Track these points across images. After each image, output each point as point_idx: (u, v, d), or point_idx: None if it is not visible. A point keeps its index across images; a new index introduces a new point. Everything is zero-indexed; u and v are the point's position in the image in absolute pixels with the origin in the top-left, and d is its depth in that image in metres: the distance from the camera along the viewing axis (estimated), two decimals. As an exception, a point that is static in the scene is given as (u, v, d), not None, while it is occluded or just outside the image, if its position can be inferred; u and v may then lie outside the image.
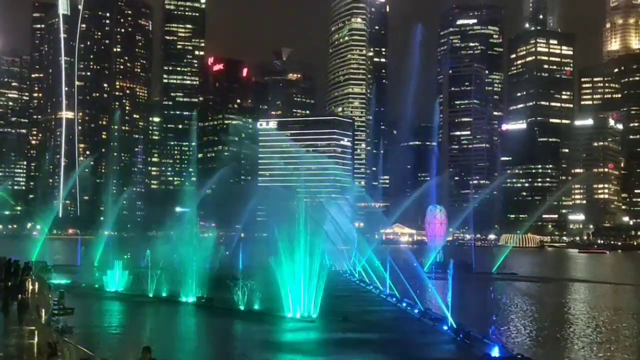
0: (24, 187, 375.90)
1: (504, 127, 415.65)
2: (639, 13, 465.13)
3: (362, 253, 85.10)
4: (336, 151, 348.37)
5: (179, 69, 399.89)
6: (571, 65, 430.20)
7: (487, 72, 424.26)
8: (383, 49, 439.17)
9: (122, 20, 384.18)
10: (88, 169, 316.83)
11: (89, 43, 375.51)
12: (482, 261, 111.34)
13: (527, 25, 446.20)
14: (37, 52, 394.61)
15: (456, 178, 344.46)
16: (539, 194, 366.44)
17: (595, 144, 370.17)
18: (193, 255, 59.39)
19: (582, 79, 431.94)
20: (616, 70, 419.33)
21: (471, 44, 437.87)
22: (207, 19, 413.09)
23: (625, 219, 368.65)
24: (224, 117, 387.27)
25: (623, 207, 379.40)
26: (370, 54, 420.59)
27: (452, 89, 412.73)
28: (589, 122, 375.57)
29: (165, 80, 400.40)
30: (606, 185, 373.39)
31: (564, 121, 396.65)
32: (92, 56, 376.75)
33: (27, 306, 34.99)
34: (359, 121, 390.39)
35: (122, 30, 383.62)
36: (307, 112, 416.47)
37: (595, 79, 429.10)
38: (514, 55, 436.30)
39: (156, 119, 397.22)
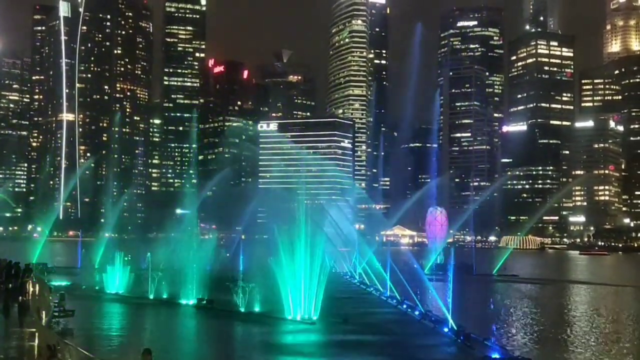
0: (24, 189, 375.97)
1: (505, 128, 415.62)
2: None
3: (363, 255, 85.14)
4: (337, 153, 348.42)
5: (179, 71, 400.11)
6: (571, 67, 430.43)
7: (487, 73, 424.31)
8: (383, 51, 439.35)
9: (122, 22, 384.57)
10: (88, 171, 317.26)
11: (89, 45, 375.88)
12: (482, 263, 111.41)
13: (527, 27, 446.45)
14: (38, 54, 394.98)
15: (457, 180, 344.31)
16: (540, 195, 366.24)
17: (596, 145, 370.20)
18: (193, 257, 59.38)
19: (583, 81, 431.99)
20: (617, 72, 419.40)
21: (471, 46, 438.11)
22: (207, 21, 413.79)
23: (626, 220, 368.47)
24: (224, 119, 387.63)
25: (624, 208, 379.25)
26: (371, 55, 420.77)
27: (453, 90, 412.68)
28: (590, 123, 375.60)
29: (166, 82, 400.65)
30: (607, 187, 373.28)
31: (564, 123, 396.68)
32: (92, 58, 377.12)
33: (27, 308, 35.03)
34: (359, 123, 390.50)
35: (123, 32, 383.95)
36: (308, 114, 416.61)
37: (596, 81, 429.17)
38: (514, 57, 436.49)
39: (157, 121, 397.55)
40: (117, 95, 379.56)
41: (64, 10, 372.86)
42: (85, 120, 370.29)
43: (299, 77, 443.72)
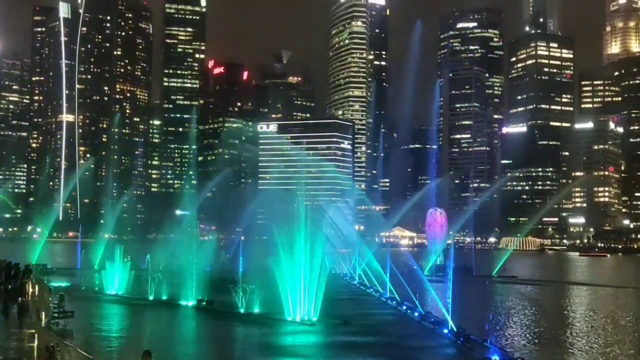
0: (24, 190, 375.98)
1: (504, 130, 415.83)
2: (639, 16, 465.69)
3: (362, 256, 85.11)
4: (336, 154, 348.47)
5: (179, 72, 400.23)
6: (571, 68, 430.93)
7: (487, 75, 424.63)
8: (383, 52, 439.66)
9: (122, 23, 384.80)
10: (88, 172, 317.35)
11: (89, 46, 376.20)
12: (482, 264, 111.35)
13: (527, 28, 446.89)
14: (38, 55, 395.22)
15: (456, 181, 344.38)
16: (539, 197, 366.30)
17: (596, 147, 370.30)
18: (193, 259, 59.35)
19: (583, 82, 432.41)
20: (616, 73, 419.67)
21: (471, 47, 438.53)
22: (207, 22, 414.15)
23: (626, 222, 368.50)
24: (224, 120, 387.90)
25: (623, 210, 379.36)
26: (371, 57, 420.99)
27: (453, 92, 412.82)
28: (589, 125, 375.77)
29: (166, 83, 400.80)
30: (606, 189, 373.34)
31: (564, 124, 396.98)
32: (92, 59, 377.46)
33: (27, 309, 35.01)
34: (359, 124, 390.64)
35: (123, 33, 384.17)
36: (308, 115, 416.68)
37: (596, 82, 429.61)
38: (514, 59, 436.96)
39: (156, 122, 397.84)
40: (117, 96, 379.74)
41: (63, 11, 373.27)
42: (85, 121, 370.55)
43: (299, 78, 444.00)
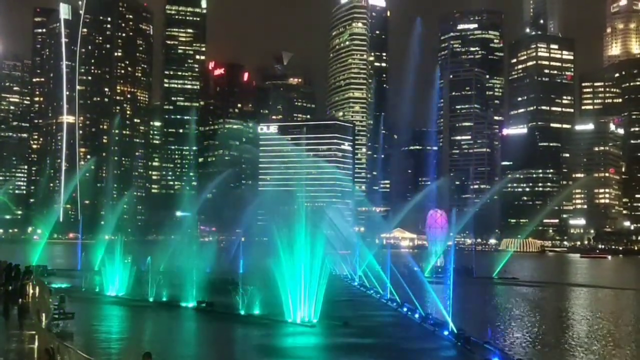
0: (24, 191, 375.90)
1: (505, 131, 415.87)
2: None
3: (363, 257, 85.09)
4: (337, 155, 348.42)
5: (179, 73, 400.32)
6: (572, 69, 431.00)
7: (487, 76, 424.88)
8: (384, 54, 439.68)
9: (123, 24, 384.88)
10: (89, 173, 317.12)
11: (90, 47, 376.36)
12: (483, 266, 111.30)
13: (527, 30, 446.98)
14: (39, 57, 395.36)
15: (457, 182, 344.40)
16: (540, 198, 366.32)
17: (596, 148, 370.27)
18: (193, 260, 59.38)
19: (583, 84, 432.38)
20: (617, 75, 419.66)
21: (472, 49, 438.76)
22: (207, 24, 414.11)
23: (626, 223, 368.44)
24: (224, 122, 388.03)
25: (624, 211, 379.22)
26: (371, 58, 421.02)
27: (453, 93, 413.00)
28: (590, 126, 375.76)
29: (166, 85, 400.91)
30: (607, 190, 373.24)
31: (564, 126, 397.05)
32: (93, 60, 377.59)
33: (27, 310, 35.04)
34: (359, 125, 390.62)
35: (123, 34, 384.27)
36: (308, 116, 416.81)
37: (596, 84, 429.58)
38: (514, 60, 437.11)
39: (157, 123, 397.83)
40: (118, 97, 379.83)
41: (64, 12, 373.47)
42: (85, 122, 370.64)
43: (299, 80, 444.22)
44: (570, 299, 77.47)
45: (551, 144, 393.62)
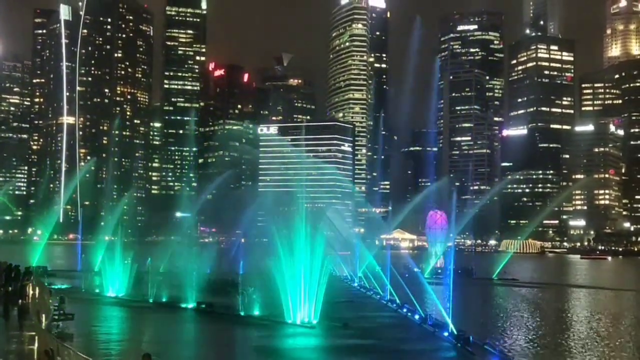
0: (24, 192, 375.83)
1: (505, 132, 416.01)
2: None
3: (363, 258, 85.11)
4: (336, 156, 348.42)
5: (179, 74, 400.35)
6: (572, 71, 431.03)
7: (487, 77, 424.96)
8: (384, 55, 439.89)
9: (123, 25, 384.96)
10: (89, 174, 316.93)
11: (90, 48, 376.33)
12: (483, 267, 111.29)
13: (527, 31, 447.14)
14: (39, 58, 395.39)
15: (457, 183, 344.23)
16: (540, 199, 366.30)
17: (596, 149, 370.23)
18: (193, 261, 59.42)
19: (583, 85, 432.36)
20: (617, 76, 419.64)
21: (472, 50, 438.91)
22: (208, 25, 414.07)
23: (626, 224, 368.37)
24: (224, 123, 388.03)
25: (624, 213, 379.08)
26: (371, 59, 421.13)
27: (453, 94, 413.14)
28: (590, 127, 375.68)
29: (166, 86, 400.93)
30: (607, 191, 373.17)
31: (564, 127, 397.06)
32: (93, 61, 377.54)
33: (27, 311, 35.01)
34: (359, 126, 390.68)
35: (123, 35, 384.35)
36: (308, 117, 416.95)
37: (596, 85, 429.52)
38: (514, 61, 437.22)
39: (157, 124, 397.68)
40: (118, 98, 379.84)
41: (64, 13, 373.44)
42: (85, 123, 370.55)
43: (299, 81, 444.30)
44: (570, 300, 77.46)
45: (551, 145, 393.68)
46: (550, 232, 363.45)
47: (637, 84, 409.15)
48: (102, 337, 40.48)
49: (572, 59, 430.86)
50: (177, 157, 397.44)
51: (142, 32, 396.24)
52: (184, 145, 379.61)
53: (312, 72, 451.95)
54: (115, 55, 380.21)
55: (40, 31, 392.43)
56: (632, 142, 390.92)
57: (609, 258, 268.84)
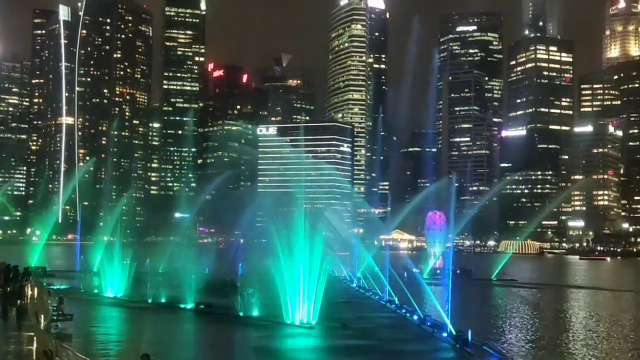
0: (23, 193, 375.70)
1: (504, 133, 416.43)
2: (639, 20, 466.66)
3: (362, 259, 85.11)
4: (336, 157, 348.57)
5: (179, 74, 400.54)
6: (571, 71, 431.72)
7: (486, 78, 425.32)
8: (383, 56, 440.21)
9: (122, 26, 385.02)
10: (88, 175, 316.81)
11: (89, 49, 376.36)
12: (481, 267, 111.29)
13: (526, 31, 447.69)
14: (38, 58, 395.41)
15: (456, 184, 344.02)
16: (539, 200, 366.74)
17: (595, 150, 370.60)
18: (192, 261, 59.40)
19: (582, 86, 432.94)
20: (616, 77, 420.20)
21: (471, 51, 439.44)
22: (207, 25, 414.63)
23: (625, 225, 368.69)
24: (223, 123, 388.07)
25: (623, 213, 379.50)
26: (370, 60, 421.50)
27: (452, 95, 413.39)
28: (589, 128, 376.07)
29: (165, 86, 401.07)
30: (606, 192, 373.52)
31: (563, 128, 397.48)
32: (92, 62, 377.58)
33: (26, 312, 34.99)
34: (358, 127, 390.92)
35: (123, 36, 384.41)
36: (307, 118, 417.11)
37: (595, 86, 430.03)
38: (513, 62, 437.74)
39: (156, 125, 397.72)
40: (117, 99, 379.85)
41: (63, 14, 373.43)
42: (84, 123, 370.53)
43: (299, 81, 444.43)
44: (569, 301, 77.48)
45: (550, 146, 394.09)
46: (549, 232, 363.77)
47: (636, 85, 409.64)
48: (100, 337, 40.44)
49: (571, 59, 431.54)
50: (176, 158, 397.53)
51: (141, 32, 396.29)
52: (183, 145, 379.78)
53: (311, 72, 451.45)
54: (115, 55, 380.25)
55: (39, 32, 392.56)
56: (630, 143, 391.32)
57: (608, 259, 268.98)
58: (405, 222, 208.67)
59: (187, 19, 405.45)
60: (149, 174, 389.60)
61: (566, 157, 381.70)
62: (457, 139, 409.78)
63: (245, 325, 45.84)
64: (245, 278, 63.53)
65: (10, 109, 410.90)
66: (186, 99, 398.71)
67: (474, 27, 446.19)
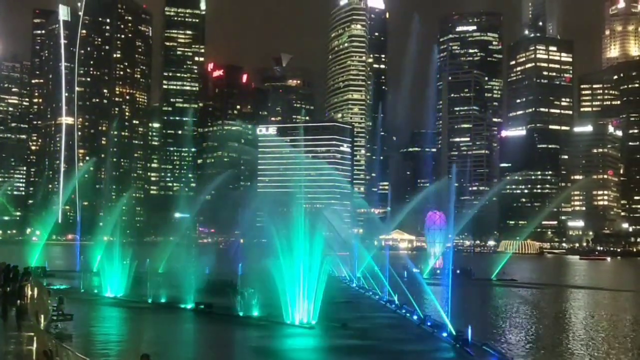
0: (23, 193, 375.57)
1: (504, 133, 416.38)
2: (638, 20, 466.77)
3: (361, 259, 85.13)
4: (335, 157, 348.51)
5: (178, 74, 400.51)
6: (570, 71, 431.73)
7: (486, 78, 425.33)
8: (382, 56, 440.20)
9: (122, 26, 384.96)
10: (87, 175, 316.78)
11: (89, 49, 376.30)
12: (481, 267, 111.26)
13: (526, 31, 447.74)
14: (38, 58, 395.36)
15: (455, 184, 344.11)
16: (539, 200, 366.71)
17: (595, 150, 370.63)
18: (192, 262, 59.42)
19: (582, 86, 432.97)
20: (615, 77, 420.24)
21: (470, 51, 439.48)
22: (207, 25, 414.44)
23: (625, 225, 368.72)
24: (223, 123, 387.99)
25: (622, 213, 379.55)
26: (370, 60, 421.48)
27: (452, 95, 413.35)
28: (589, 128, 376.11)
29: (165, 86, 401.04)
30: (605, 192, 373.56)
31: (563, 128, 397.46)
32: (92, 62, 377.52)
33: (26, 312, 34.97)
34: (358, 127, 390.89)
35: (122, 36, 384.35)
36: (307, 118, 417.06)
37: (595, 86, 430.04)
38: (513, 62, 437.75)
39: (156, 125, 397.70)
40: (116, 99, 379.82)
41: (63, 14, 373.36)
42: (84, 123, 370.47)
43: (298, 81, 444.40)
44: (569, 301, 77.49)
45: (550, 146, 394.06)
46: (549, 232, 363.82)
47: (636, 85, 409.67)
48: (100, 337, 40.44)
49: (570, 59, 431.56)
50: (175, 158, 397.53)
51: (141, 32, 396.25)
52: (182, 145, 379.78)
53: (311, 72, 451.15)
54: (114, 55, 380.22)
55: (39, 32, 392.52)
56: (630, 143, 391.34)
57: (608, 259, 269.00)
58: (405, 222, 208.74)
59: (186, 19, 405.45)
60: (148, 174, 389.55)
61: (566, 157, 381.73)
62: (457, 139, 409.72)
63: (245, 325, 45.84)
64: (245, 278, 63.57)
65: (10, 109, 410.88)
66: (186, 99, 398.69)
67: (474, 27, 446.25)
